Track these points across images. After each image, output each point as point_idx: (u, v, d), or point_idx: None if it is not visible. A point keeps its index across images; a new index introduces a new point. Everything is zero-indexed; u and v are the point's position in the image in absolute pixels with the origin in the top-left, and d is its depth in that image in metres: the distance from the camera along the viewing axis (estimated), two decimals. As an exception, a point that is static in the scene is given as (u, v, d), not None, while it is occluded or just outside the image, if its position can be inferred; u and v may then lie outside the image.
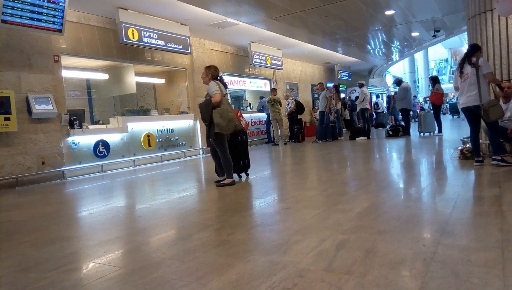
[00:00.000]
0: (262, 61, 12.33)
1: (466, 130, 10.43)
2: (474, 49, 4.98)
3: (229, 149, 5.10)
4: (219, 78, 5.03)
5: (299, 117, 13.14)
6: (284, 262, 2.15)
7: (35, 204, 5.01)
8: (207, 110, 4.79)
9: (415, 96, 21.04)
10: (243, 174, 5.58)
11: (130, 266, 2.33)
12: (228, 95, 4.90)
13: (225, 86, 5.08)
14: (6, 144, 6.33)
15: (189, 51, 9.43)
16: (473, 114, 4.92)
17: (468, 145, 5.61)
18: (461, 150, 5.59)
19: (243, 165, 5.51)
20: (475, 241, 2.32)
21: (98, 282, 2.09)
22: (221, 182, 5.00)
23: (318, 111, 12.75)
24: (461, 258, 2.04)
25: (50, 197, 5.56)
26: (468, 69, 4.91)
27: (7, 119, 6.19)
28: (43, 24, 6.35)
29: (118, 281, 2.09)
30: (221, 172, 5.17)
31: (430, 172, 5.32)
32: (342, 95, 16.31)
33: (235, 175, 5.29)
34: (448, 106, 24.89)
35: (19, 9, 6.01)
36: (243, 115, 9.94)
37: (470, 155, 5.37)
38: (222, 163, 5.05)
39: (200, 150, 10.46)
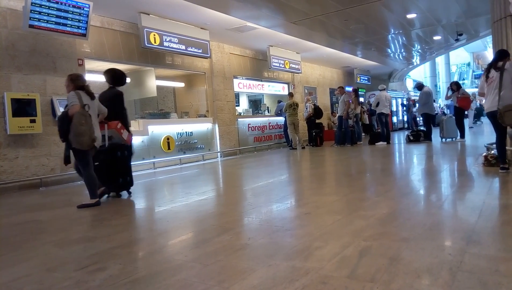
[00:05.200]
0: (281, 65, 12.33)
1: (489, 137, 10.19)
2: (502, 55, 4.87)
3: (107, 165, 4.77)
4: (84, 87, 4.51)
5: (318, 121, 13.07)
6: (306, 268, 2.13)
7: (58, 204, 5.12)
8: (62, 124, 4.34)
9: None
10: (124, 192, 5.13)
11: (153, 268, 2.35)
12: (88, 106, 4.35)
13: (91, 96, 4.51)
14: (31, 145, 6.50)
15: (208, 55, 9.52)
16: (497, 119, 4.80)
17: (493, 152, 5.47)
18: (486, 157, 5.46)
19: (123, 183, 5.05)
20: (503, 251, 2.26)
21: (122, 283, 2.11)
22: (83, 203, 4.52)
23: (337, 115, 12.65)
24: (489, 268, 1.98)
25: (73, 198, 5.66)
26: (493, 73, 4.81)
27: (33, 121, 6.37)
28: (68, 29, 6.53)
29: (142, 283, 2.11)
30: (88, 189, 4.58)
31: (454, 178, 5.21)
32: (361, 100, 16.14)
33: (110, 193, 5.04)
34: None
35: (46, 14, 6.19)
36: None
37: (495, 162, 5.23)
38: (84, 180, 4.57)
39: (218, 154, 10.52)
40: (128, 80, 9.47)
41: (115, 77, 5.61)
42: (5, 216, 4.34)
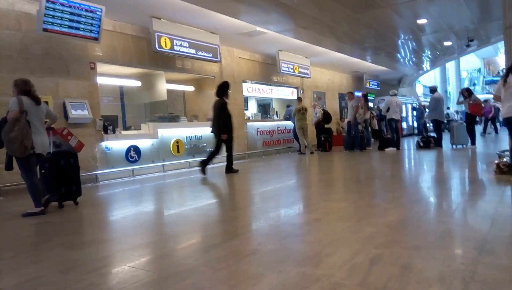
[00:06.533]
0: (290, 70, 12.35)
1: (501, 144, 10.07)
2: None
3: (50, 174, 4.64)
4: (30, 92, 4.38)
5: (327, 126, 13.05)
6: (317, 274, 2.13)
7: (70, 206, 5.16)
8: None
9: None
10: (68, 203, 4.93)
11: (163, 271, 2.37)
12: (26, 112, 4.22)
13: (37, 101, 4.43)
14: (43, 147, 6.57)
15: (218, 60, 9.57)
16: None
17: (505, 159, 5.41)
18: (497, 164, 5.39)
19: (65, 193, 4.80)
20: (516, 261, 2.23)
21: (133, 286, 2.13)
22: (28, 211, 4.38)
23: (345, 120, 12.63)
24: (502, 278, 1.96)
25: (84, 200, 5.71)
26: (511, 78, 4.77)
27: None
28: (81, 32, 6.62)
29: (153, 286, 2.13)
30: (32, 197, 4.46)
31: (465, 186, 5.16)
32: (371, 104, 16.08)
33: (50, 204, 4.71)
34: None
35: (59, 18, 6.29)
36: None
37: (507, 170, 5.17)
38: (27, 188, 4.44)
39: (227, 157, 10.52)
40: (139, 83, 9.63)
41: (220, 90, 7.51)
42: (18, 217, 4.39)
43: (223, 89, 7.58)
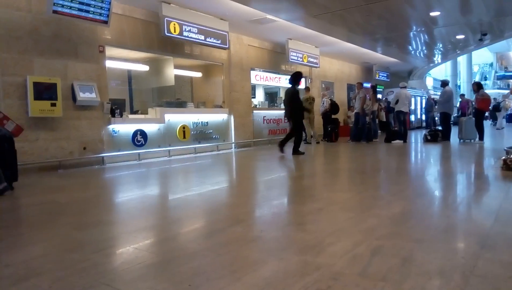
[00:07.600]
0: (299, 59, 12.25)
1: (509, 140, 9.97)
2: None
3: None
4: None
5: (334, 116, 12.99)
6: (318, 263, 2.15)
7: (76, 187, 5.25)
8: None
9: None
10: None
11: (167, 254, 2.41)
12: None
13: None
14: (51, 128, 6.64)
15: (227, 46, 9.51)
16: None
17: (512, 156, 5.36)
18: (505, 161, 5.35)
19: None
20: (518, 257, 2.23)
21: (138, 267, 2.17)
22: None
23: (354, 111, 12.57)
24: (503, 274, 1.97)
25: (90, 182, 5.81)
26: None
27: (53, 104, 6.50)
28: (91, 15, 6.60)
29: (157, 268, 2.17)
30: None
31: (470, 181, 5.14)
32: (379, 96, 15.95)
33: None
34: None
35: (69, 1, 6.27)
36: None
37: (514, 166, 5.14)
38: None
39: (233, 144, 10.57)
40: (147, 68, 9.63)
41: (293, 78, 8.28)
42: (25, 196, 4.47)
43: (296, 77, 8.26)
